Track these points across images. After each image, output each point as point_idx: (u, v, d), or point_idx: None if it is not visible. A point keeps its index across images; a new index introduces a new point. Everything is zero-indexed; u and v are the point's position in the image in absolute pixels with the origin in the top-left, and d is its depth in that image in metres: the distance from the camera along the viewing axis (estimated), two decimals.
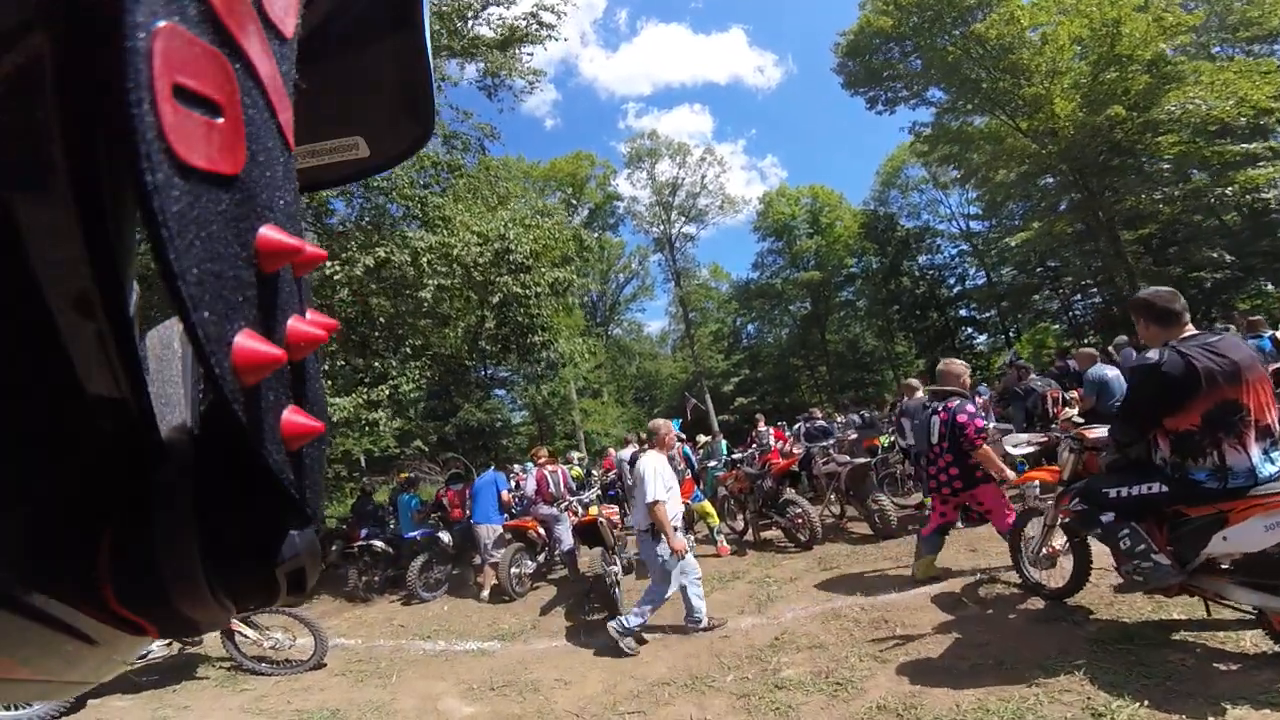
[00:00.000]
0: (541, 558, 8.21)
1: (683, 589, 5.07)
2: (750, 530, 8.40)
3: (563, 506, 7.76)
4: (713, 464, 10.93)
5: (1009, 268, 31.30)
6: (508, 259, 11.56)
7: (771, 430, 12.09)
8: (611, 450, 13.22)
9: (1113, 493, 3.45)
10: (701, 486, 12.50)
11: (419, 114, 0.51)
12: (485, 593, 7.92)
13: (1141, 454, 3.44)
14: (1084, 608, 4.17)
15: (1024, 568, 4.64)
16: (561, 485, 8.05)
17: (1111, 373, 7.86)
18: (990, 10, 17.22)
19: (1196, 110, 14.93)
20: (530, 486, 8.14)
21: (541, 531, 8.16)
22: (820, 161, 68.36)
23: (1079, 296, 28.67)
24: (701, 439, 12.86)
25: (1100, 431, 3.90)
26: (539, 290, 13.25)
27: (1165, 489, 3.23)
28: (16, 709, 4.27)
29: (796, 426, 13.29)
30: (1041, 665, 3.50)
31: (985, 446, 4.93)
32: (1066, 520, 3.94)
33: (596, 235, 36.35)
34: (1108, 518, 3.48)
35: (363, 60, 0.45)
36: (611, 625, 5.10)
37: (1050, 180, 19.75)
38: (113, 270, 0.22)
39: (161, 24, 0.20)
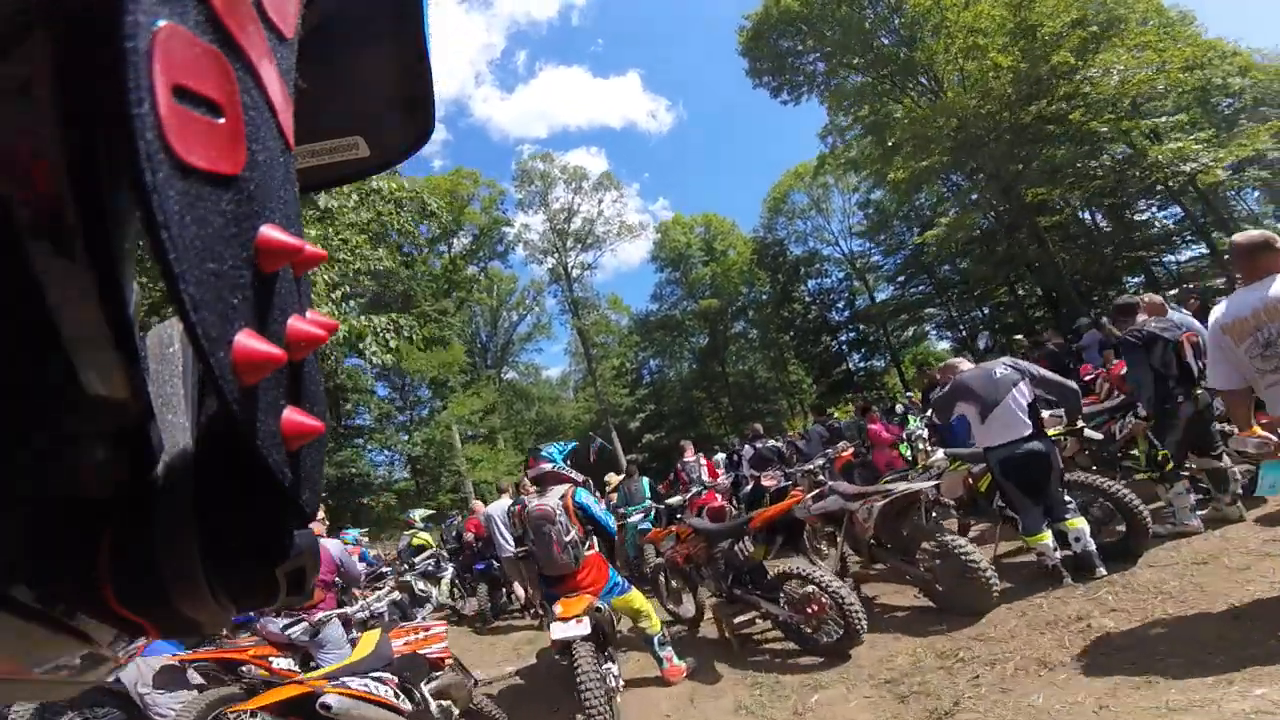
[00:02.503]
0: None
1: None
2: (719, 624, 4.52)
3: (313, 622, 3.43)
4: (634, 518, 6.95)
5: (892, 287, 30.80)
6: None
7: (703, 461, 8.47)
8: (477, 505, 8.73)
9: None
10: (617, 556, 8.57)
11: (419, 114, 0.48)
12: None
13: None
14: None
15: None
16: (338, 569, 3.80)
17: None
18: None
19: (1105, 84, 13.99)
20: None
21: (283, 665, 3.79)
22: (709, 201, 70.69)
23: (972, 307, 28.07)
24: (612, 479, 8.89)
25: None
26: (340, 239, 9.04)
27: None
28: None
29: (738, 451, 9.80)
30: None
31: None
32: None
33: (482, 267, 32.22)
34: None
35: (363, 60, 0.43)
36: None
37: (959, 177, 18.64)
38: (112, 270, 0.22)
39: (161, 24, 0.20)
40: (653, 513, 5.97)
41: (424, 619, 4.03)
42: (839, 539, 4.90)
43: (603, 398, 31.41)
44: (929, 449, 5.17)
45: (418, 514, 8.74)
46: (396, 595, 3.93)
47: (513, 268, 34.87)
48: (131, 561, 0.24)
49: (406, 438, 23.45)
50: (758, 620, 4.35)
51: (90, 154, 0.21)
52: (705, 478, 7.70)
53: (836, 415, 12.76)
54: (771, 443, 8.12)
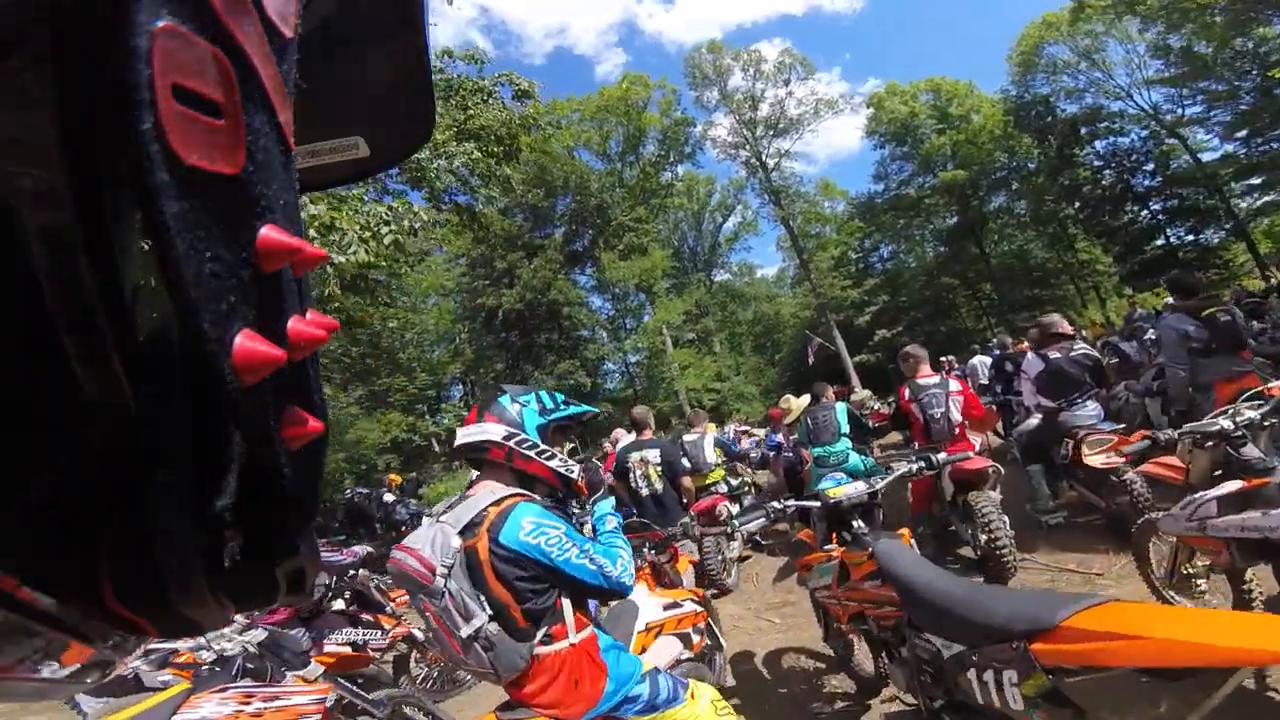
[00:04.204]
0: None
1: None
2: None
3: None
4: (747, 527, 2.49)
5: (1226, 145, 21.03)
6: None
7: (952, 385, 4.30)
8: (616, 435, 6.58)
9: None
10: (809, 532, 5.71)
11: (419, 114, 0.48)
12: None
13: None
14: None
15: None
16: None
17: None
18: None
19: None
20: None
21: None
22: (928, 69, 57.85)
23: None
24: (791, 405, 6.07)
25: None
26: None
27: None
28: None
29: (1015, 357, 6.32)
30: None
31: None
32: None
33: (674, 172, 29.89)
34: None
35: (363, 60, 0.43)
36: None
37: None
38: (113, 271, 0.21)
39: (161, 24, 0.19)
40: (768, 514, 2.56)
41: (299, 675, 2.37)
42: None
43: (819, 292, 27.33)
44: None
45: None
46: (252, 638, 2.33)
47: (706, 168, 31.92)
48: (131, 561, 0.23)
49: (617, 346, 23.35)
50: None
51: (90, 154, 0.20)
52: (954, 415, 4.06)
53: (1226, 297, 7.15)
54: (1081, 347, 4.29)
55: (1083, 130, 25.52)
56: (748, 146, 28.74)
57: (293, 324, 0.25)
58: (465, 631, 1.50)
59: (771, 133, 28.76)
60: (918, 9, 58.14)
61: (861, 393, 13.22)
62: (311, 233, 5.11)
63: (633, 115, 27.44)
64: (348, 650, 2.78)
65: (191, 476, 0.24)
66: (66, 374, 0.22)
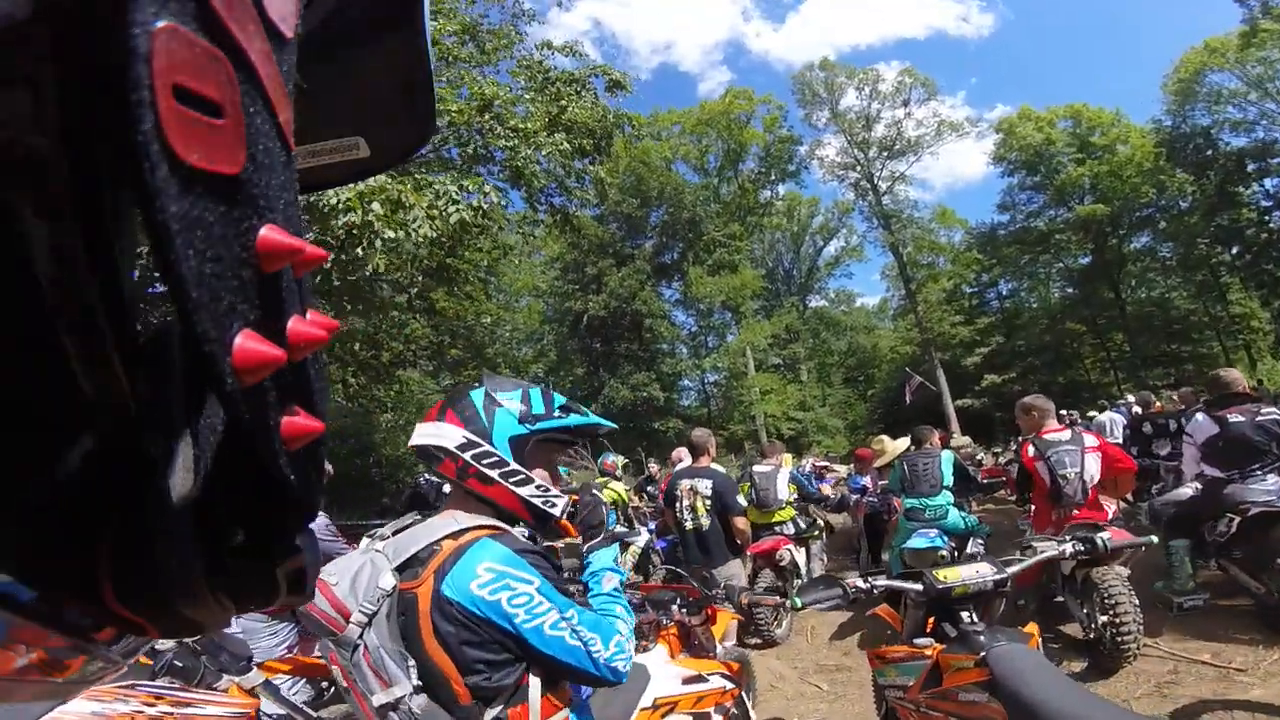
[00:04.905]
0: None
1: None
2: None
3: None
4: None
5: None
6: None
7: (1086, 440, 3.54)
8: (676, 454, 5.93)
9: None
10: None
11: (419, 114, 0.49)
12: None
13: None
14: None
15: None
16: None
17: None
18: None
19: None
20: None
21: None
22: (1067, 95, 53.23)
23: None
24: (886, 446, 5.27)
25: None
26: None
27: None
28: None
29: (1168, 417, 5.38)
30: None
31: None
32: None
33: (774, 191, 28.88)
34: None
35: (363, 60, 0.43)
36: None
37: None
38: (113, 271, 0.22)
39: (161, 24, 0.19)
40: (845, 593, 1.71)
41: (236, 682, 2.05)
42: None
43: (925, 326, 25.22)
44: None
45: (619, 459, 6.75)
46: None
47: (810, 190, 30.74)
48: (131, 560, 0.23)
49: (696, 363, 22.80)
50: None
51: (90, 154, 0.20)
52: (1092, 473, 3.35)
53: None
54: (1271, 412, 3.37)
55: (1249, 166, 22.63)
56: (858, 168, 27.33)
57: (293, 324, 0.25)
58: (379, 700, 1.07)
59: (885, 154, 27.20)
60: (1053, 34, 53.72)
61: (960, 439, 11.95)
62: (376, 207, 5.05)
63: (734, 130, 27.03)
64: (311, 659, 2.49)
65: (192, 477, 0.24)
66: (66, 374, 0.21)
